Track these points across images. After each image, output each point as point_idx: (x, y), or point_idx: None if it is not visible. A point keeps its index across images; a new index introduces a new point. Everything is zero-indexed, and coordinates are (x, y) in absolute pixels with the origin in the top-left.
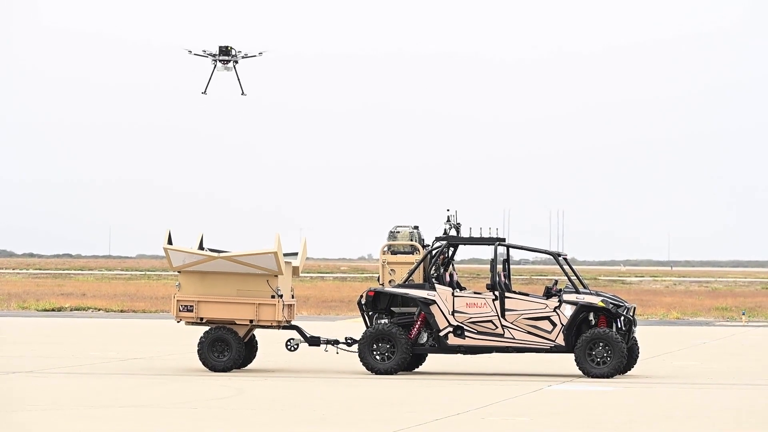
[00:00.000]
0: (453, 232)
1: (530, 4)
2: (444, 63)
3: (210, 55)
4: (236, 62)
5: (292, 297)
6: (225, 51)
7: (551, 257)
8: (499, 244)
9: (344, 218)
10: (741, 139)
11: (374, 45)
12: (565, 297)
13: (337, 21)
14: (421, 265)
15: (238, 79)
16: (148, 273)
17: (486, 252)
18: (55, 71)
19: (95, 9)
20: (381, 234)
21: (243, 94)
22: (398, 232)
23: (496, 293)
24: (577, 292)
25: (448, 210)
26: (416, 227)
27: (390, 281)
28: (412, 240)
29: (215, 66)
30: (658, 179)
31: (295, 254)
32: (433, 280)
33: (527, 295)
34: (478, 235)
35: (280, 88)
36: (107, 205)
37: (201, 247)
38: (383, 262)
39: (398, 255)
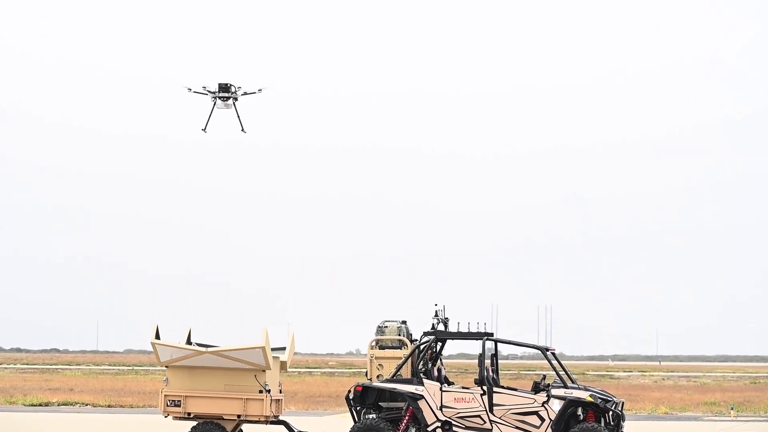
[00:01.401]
0: (441, 327)
1: (518, 99)
2: (432, 157)
3: (209, 92)
4: (236, 99)
5: (280, 392)
6: (224, 88)
7: (539, 352)
8: (487, 339)
9: (332, 313)
10: (729, 235)
11: (361, 140)
12: (554, 392)
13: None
14: (409, 360)
15: (238, 117)
16: (135, 368)
17: (474, 346)
18: (47, 161)
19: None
20: (369, 329)
21: (243, 131)
22: (386, 326)
23: (485, 388)
24: (566, 386)
25: (436, 305)
26: (404, 322)
27: (378, 376)
28: (400, 335)
29: (215, 103)
30: (645, 274)
31: (283, 349)
32: (421, 374)
33: (515, 389)
34: (466, 330)
35: (267, 178)
36: (95, 300)
37: (189, 342)
38: (371, 357)
39: (386, 350)
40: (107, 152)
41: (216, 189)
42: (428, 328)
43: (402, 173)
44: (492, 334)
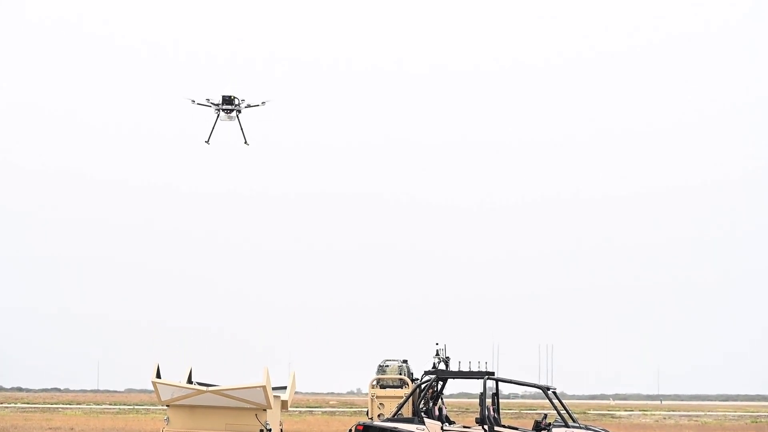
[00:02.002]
0: (442, 366)
1: (521, 149)
2: (433, 202)
3: (213, 104)
4: (239, 112)
5: (281, 431)
6: (228, 100)
7: (541, 391)
8: (488, 378)
9: (333, 352)
10: (730, 275)
11: (356, 187)
12: (555, 431)
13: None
14: (411, 399)
15: (242, 129)
16: (136, 407)
17: (475, 385)
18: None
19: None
20: (370, 368)
21: (246, 143)
22: (387, 366)
23: (486, 427)
24: (567, 425)
25: (437, 344)
26: (405, 361)
27: (379, 415)
28: (401, 374)
29: (218, 116)
30: (646, 314)
31: (284, 388)
32: (422, 413)
33: (517, 429)
34: (467, 369)
35: (266, 227)
36: (95, 339)
37: (190, 381)
38: (372, 396)
39: (387, 389)
40: (102, 198)
41: (212, 234)
42: (429, 367)
43: (404, 218)
44: (493, 373)
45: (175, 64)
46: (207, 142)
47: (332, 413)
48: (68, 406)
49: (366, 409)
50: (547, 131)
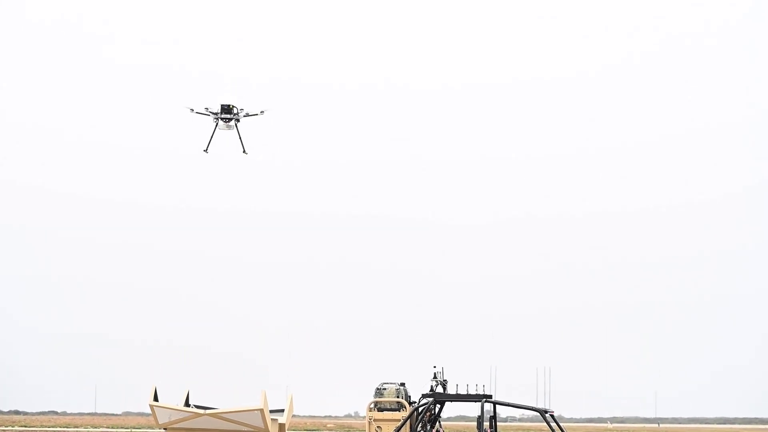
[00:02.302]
0: (439, 389)
1: (518, 166)
2: (429, 224)
3: (212, 113)
4: (238, 121)
5: None
6: (227, 109)
7: (538, 414)
8: (485, 401)
9: (331, 375)
10: (727, 298)
11: (355, 208)
12: None
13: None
14: (408, 422)
15: (240, 138)
16: (134, 430)
17: (473, 409)
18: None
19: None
20: (368, 391)
21: (244, 152)
22: (385, 389)
23: None
24: None
25: (434, 367)
26: (402, 384)
27: None
28: (398, 397)
29: (217, 124)
30: (644, 336)
31: (282, 411)
32: None
33: None
34: (465, 392)
35: (263, 248)
36: (93, 360)
37: (187, 404)
38: (370, 419)
39: (385, 412)
40: (98, 218)
41: (210, 255)
42: (427, 390)
43: (400, 240)
44: (491, 396)
45: (175, 72)
46: (206, 150)
47: None
48: (66, 429)
49: None
50: (544, 150)
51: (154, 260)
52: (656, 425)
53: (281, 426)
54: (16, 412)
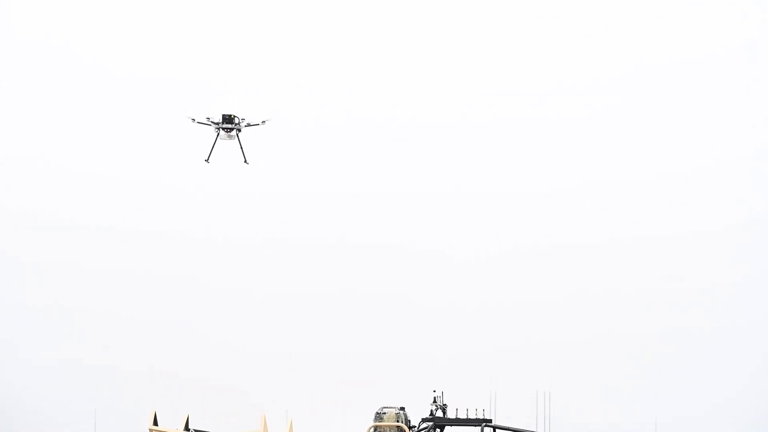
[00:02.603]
0: (439, 413)
1: (519, 197)
2: (427, 250)
3: (213, 123)
4: (239, 131)
5: None
6: (228, 119)
7: None
8: (485, 425)
9: (330, 399)
10: (727, 323)
11: (352, 237)
12: None
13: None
14: None
15: (241, 148)
16: None
17: None
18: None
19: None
20: (367, 415)
21: (246, 162)
22: (384, 413)
23: None
24: None
25: (434, 391)
26: (402, 408)
27: None
28: (398, 421)
29: (218, 134)
30: (644, 363)
31: None
32: None
33: None
34: (465, 416)
35: (262, 272)
36: (92, 386)
37: (187, 428)
38: None
39: None
40: (94, 244)
41: (207, 281)
42: (427, 415)
43: (398, 265)
44: (490, 421)
45: (176, 81)
46: (207, 160)
47: None
48: None
49: None
50: (541, 179)
51: (152, 285)
52: None
53: None
54: None
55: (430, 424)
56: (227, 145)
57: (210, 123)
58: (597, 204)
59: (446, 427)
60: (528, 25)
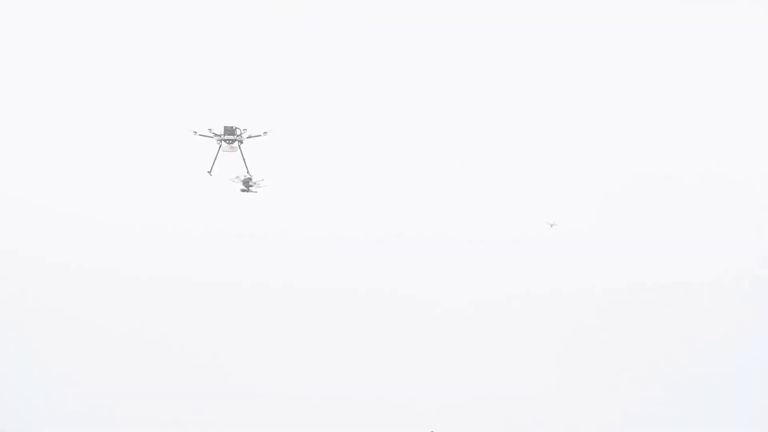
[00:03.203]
0: None
1: (524, 240)
2: (421, 300)
3: (215, 135)
4: (241, 142)
5: None
6: (230, 131)
7: None
8: None
9: None
10: (728, 345)
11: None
12: None
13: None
14: None
15: (244, 160)
16: None
17: None
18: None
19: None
20: None
21: (248, 173)
22: None
23: None
24: None
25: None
26: None
27: None
28: None
29: (220, 146)
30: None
31: None
32: None
33: None
34: None
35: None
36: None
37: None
38: None
39: None
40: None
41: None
42: None
43: (388, 313)
44: None
45: (176, 91)
46: (209, 173)
47: None
48: None
49: None
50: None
51: (152, 320)
52: None
53: None
54: None
55: None
56: (229, 156)
57: (212, 135)
58: (595, 249)
59: None
60: None
